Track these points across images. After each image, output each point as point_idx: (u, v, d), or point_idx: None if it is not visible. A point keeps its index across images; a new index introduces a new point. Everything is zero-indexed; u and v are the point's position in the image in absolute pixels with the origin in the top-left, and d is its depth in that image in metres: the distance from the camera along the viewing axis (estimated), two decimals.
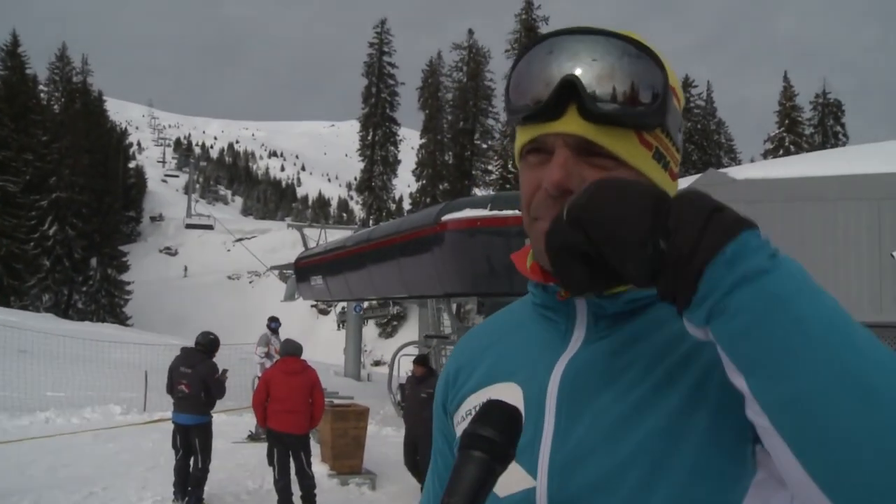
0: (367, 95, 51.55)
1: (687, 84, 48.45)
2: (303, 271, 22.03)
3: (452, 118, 47.57)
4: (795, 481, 0.63)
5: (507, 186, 38.89)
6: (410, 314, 46.31)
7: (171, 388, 7.85)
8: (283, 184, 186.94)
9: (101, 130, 62.40)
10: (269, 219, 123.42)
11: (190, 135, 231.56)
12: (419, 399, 7.89)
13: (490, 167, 45.70)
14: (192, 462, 7.73)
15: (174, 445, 7.82)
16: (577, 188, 0.75)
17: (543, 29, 43.57)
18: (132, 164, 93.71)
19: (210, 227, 68.70)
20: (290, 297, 26.17)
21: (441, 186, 45.62)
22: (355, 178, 65.75)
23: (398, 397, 14.72)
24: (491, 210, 11.22)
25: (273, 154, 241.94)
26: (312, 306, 51.97)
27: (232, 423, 13.16)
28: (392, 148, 51.68)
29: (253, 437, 11.55)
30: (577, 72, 0.80)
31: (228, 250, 76.28)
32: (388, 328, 51.21)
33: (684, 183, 8.43)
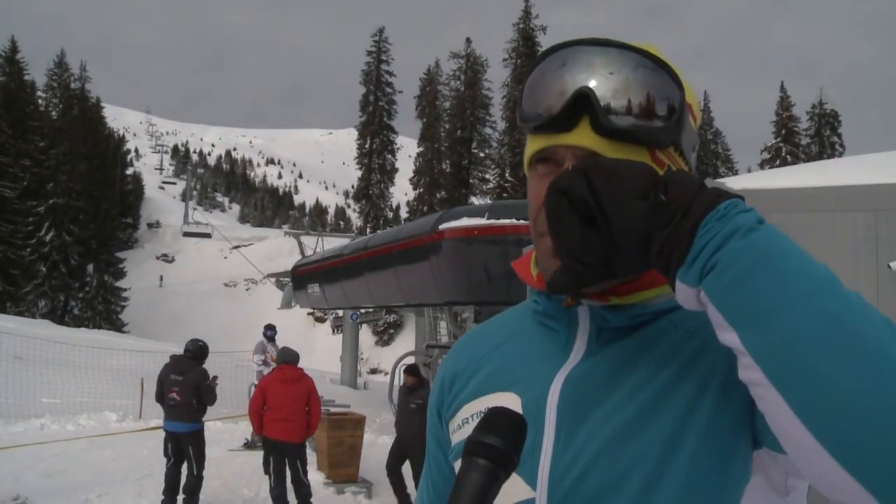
0: (365, 103, 51.59)
1: None
2: (300, 279, 21.98)
3: (450, 127, 47.53)
4: (790, 435, 0.64)
5: (505, 195, 38.83)
6: (407, 322, 46.25)
7: (161, 397, 7.74)
8: (281, 191, 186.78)
9: (98, 137, 62.47)
10: (267, 226, 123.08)
11: (187, 142, 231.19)
12: (409, 409, 7.86)
13: (487, 176, 45.62)
14: (185, 470, 7.68)
15: (166, 454, 7.76)
16: None
17: (541, 38, 43.75)
18: (129, 171, 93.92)
19: (208, 236, 68.54)
20: (286, 304, 26.10)
21: (438, 195, 45.55)
22: (353, 186, 65.80)
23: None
24: (488, 219, 11.19)
25: (270, 162, 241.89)
26: (309, 314, 51.80)
27: (228, 431, 13.13)
28: (389, 156, 51.67)
29: (249, 446, 11.51)
30: (592, 84, 0.80)
31: (225, 257, 76.08)
32: (385, 336, 51.07)
33: None
